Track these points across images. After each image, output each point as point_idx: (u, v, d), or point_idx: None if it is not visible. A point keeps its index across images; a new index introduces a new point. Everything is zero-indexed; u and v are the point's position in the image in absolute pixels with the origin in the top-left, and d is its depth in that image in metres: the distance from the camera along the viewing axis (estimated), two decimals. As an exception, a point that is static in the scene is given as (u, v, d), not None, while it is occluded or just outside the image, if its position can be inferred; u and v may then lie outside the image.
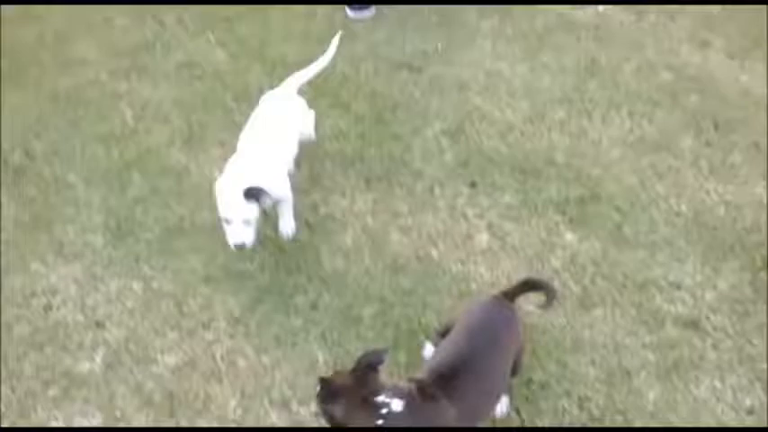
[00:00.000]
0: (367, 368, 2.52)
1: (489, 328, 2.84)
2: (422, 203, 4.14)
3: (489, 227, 4.00)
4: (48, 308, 3.73)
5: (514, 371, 3.02)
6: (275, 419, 3.29)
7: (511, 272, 3.77)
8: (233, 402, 3.36)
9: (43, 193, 4.28)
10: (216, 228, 3.76)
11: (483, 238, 3.95)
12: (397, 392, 2.54)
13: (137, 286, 3.83)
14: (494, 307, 2.93)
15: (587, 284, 3.70)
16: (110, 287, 3.82)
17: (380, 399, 2.49)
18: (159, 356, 3.53)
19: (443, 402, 2.59)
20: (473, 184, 4.22)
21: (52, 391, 3.43)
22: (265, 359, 3.51)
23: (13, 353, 3.56)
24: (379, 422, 2.47)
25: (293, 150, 3.92)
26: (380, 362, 2.54)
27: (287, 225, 3.94)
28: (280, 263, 3.87)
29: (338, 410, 2.50)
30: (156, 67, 5.18)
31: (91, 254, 3.98)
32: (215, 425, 3.28)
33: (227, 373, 3.47)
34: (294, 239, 3.94)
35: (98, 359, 3.53)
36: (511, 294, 2.98)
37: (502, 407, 3.17)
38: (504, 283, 3.52)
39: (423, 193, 4.19)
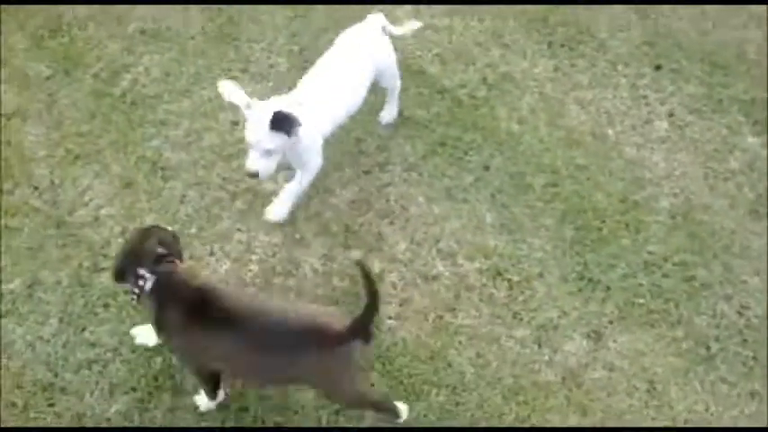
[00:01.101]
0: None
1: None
2: (603, 78, 4.00)
3: (670, 114, 3.87)
4: (234, 123, 3.78)
5: None
6: (441, 269, 3.37)
7: (687, 165, 3.66)
8: (402, 245, 3.44)
9: (231, 8, 4.23)
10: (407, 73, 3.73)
11: (662, 125, 3.83)
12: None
13: (319, 116, 3.83)
14: None
15: (762, 192, 3.59)
16: (293, 113, 3.83)
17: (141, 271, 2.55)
18: (338, 189, 3.58)
19: None
20: (658, 67, 4.04)
21: (238, 203, 3.54)
22: (436, 209, 3.55)
23: (203, 161, 3.67)
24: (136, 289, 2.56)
25: (350, 104, 3.34)
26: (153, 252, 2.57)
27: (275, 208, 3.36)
28: (456, 117, 3.83)
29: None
30: None
31: (275, 76, 3.97)
32: (386, 264, 3.37)
33: (399, 216, 3.52)
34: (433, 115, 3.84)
35: (281, 181, 3.59)
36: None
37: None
38: (678, 175, 3.47)
39: (605, 68, 4.04)
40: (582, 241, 3.43)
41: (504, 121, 3.83)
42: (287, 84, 3.78)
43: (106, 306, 3.19)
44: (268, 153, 3.03)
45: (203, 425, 2.91)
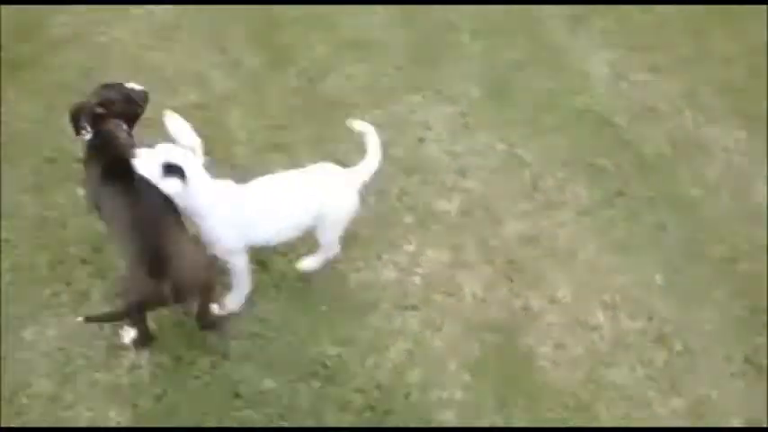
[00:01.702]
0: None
1: None
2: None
3: None
4: (421, 140, 3.87)
5: None
6: (600, 320, 3.31)
7: None
8: (564, 288, 3.40)
9: (433, 32, 4.34)
10: (583, 115, 3.69)
11: None
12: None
13: (500, 147, 3.88)
14: None
15: None
16: (477, 139, 3.90)
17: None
18: (508, 220, 3.59)
19: None
20: None
21: (409, 218, 3.61)
22: (605, 259, 3.49)
23: (385, 170, 3.76)
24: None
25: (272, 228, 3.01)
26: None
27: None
28: (637, 171, 3.77)
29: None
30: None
31: (466, 101, 4.04)
32: (544, 303, 3.34)
33: (566, 259, 3.49)
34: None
35: (455, 203, 3.65)
36: None
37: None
38: None
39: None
40: (753, 324, 3.28)
41: (687, 185, 3.74)
42: (477, 110, 3.85)
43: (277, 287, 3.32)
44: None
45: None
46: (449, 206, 3.63)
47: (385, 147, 3.63)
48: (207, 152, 2.93)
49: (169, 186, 2.75)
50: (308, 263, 3.25)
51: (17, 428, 2.98)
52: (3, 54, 3.97)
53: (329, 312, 3.26)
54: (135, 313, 2.91)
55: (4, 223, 3.41)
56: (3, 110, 3.76)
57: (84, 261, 3.34)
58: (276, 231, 3.03)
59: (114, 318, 3.02)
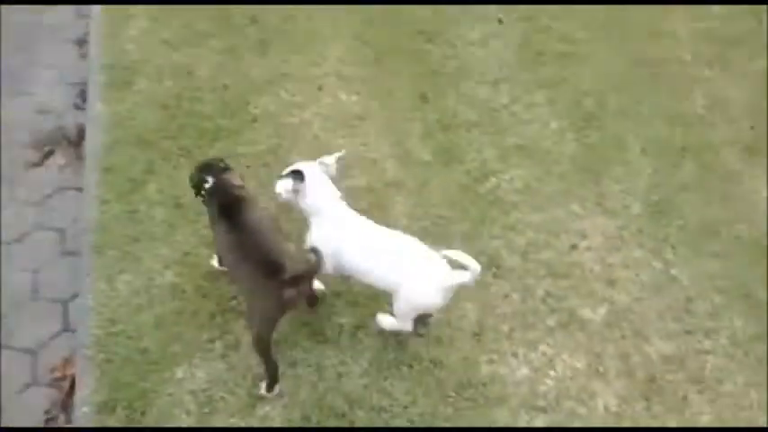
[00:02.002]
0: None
1: None
2: None
3: None
4: (573, 247, 3.90)
5: None
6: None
7: None
8: (707, 416, 3.25)
9: (602, 143, 4.41)
10: (746, 244, 3.58)
11: None
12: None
13: (656, 264, 3.83)
14: None
15: None
16: (632, 254, 3.87)
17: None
18: (655, 339, 3.50)
19: None
20: None
21: (551, 320, 3.62)
22: (753, 395, 3.32)
23: (534, 271, 3.82)
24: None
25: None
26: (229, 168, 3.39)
27: None
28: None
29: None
30: (741, 64, 4.93)
31: (625, 216, 4.04)
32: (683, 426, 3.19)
33: (711, 388, 3.34)
34: None
35: (600, 312, 3.63)
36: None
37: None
38: None
39: None
40: None
41: None
42: (635, 225, 3.84)
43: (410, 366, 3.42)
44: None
45: None
46: (593, 315, 3.61)
47: (538, 248, 3.73)
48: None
49: (283, 185, 3.30)
50: (382, 319, 3.41)
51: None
52: (206, 124, 4.46)
53: (456, 400, 3.29)
54: (269, 329, 3.20)
55: (177, 269, 3.79)
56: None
57: (241, 314, 3.62)
58: (355, 270, 3.32)
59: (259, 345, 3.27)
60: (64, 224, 4.23)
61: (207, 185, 3.38)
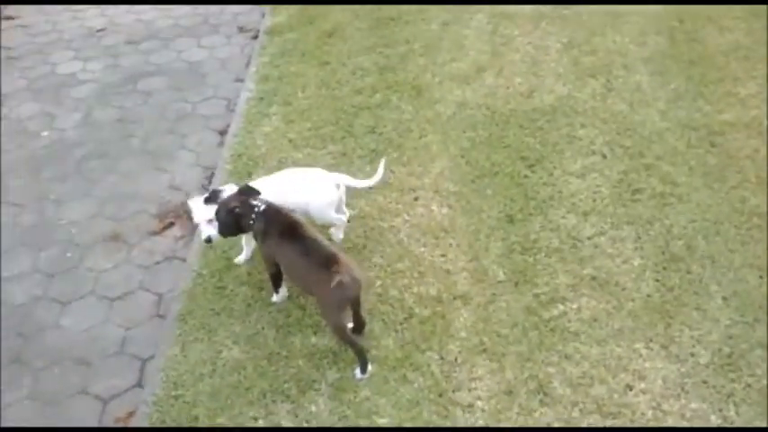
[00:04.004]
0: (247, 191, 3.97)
1: None
2: None
3: None
4: (629, 387, 3.71)
5: None
6: None
7: None
8: None
9: (681, 286, 4.20)
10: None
11: None
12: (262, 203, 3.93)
13: (714, 420, 3.58)
14: None
15: None
16: (690, 405, 3.64)
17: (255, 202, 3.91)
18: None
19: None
20: None
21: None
22: None
23: (583, 405, 3.64)
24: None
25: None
26: (258, 192, 3.96)
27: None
28: None
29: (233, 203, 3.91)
30: None
31: (691, 364, 3.82)
32: None
33: None
34: None
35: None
36: None
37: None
38: None
39: None
40: None
41: None
42: (700, 376, 3.61)
43: None
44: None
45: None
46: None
47: (591, 382, 3.57)
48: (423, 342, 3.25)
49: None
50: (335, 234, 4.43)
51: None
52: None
53: None
54: (340, 314, 3.72)
55: (244, 346, 3.97)
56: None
57: (288, 399, 3.72)
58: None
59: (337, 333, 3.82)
60: (163, 289, 4.56)
61: (258, 209, 3.85)
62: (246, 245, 4.43)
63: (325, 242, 3.77)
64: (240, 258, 4.47)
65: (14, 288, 4.62)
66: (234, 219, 3.88)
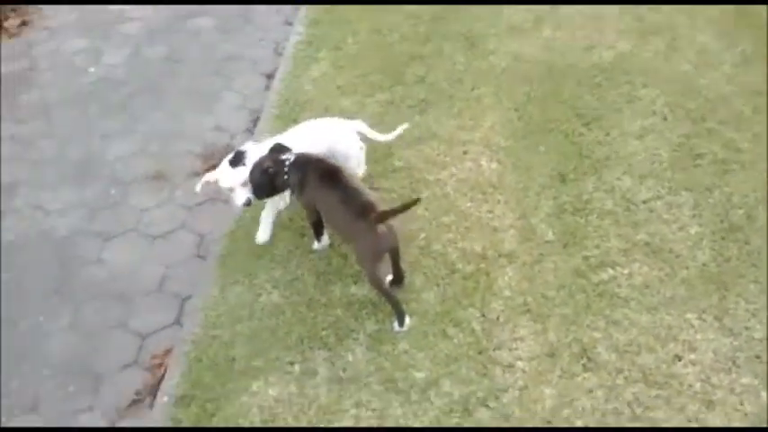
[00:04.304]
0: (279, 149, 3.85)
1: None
2: None
3: None
4: (677, 357, 3.58)
5: None
6: None
7: None
8: None
9: (739, 257, 4.02)
10: None
11: None
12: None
13: (766, 396, 3.37)
14: None
15: None
16: (741, 380, 3.49)
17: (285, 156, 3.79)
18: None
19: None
20: None
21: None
22: None
23: (628, 372, 3.53)
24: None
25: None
26: (289, 149, 3.84)
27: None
28: None
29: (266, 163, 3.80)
30: None
31: (745, 338, 3.67)
32: None
33: None
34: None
35: None
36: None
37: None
38: None
39: None
40: None
41: None
42: (753, 350, 3.45)
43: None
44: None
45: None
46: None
47: (637, 350, 3.46)
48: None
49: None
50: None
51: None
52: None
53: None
54: (376, 265, 3.63)
55: (283, 291, 3.92)
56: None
57: (325, 346, 3.67)
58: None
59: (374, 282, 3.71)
60: (205, 230, 4.52)
61: (288, 161, 3.76)
62: (264, 221, 4.20)
63: (365, 190, 3.64)
64: (260, 239, 4.22)
65: (58, 221, 4.63)
66: (269, 179, 3.77)
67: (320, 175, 3.71)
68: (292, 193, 3.92)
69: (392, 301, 3.67)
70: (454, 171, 4.62)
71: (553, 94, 5.15)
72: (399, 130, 4.25)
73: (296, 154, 3.80)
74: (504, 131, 4.87)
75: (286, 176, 3.77)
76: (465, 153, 4.75)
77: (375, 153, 4.65)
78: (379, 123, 4.87)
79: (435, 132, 4.89)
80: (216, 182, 3.95)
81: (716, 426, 3.28)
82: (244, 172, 3.86)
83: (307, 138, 4.04)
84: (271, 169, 3.76)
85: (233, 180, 3.90)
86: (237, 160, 3.90)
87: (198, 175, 4.83)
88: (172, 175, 4.91)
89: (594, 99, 5.08)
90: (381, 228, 3.49)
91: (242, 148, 4.00)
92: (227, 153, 4.82)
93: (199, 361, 3.68)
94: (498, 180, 4.53)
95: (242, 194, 3.90)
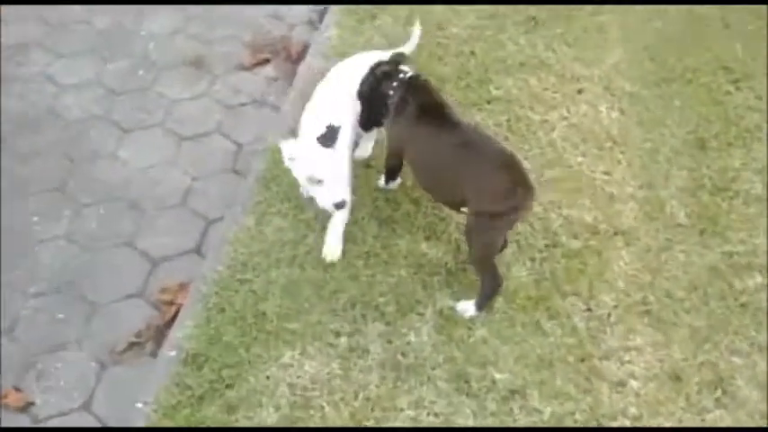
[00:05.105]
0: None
1: None
2: None
3: None
4: None
5: None
6: None
7: None
8: None
9: None
10: None
11: None
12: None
13: None
14: None
15: None
16: None
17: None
18: None
19: None
20: None
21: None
22: None
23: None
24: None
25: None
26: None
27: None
28: None
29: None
30: None
31: None
32: None
33: None
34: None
35: None
36: None
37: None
38: None
39: None
40: None
41: None
42: None
43: None
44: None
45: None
46: None
47: None
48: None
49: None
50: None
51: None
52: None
53: None
54: (498, 238, 2.83)
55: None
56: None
57: (382, 317, 2.86)
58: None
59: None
60: (245, 139, 3.68)
61: (403, 76, 2.88)
62: (333, 231, 3.05)
63: (491, 136, 2.88)
64: (332, 254, 3.05)
65: (70, 99, 3.84)
66: (382, 96, 2.91)
67: (422, 105, 2.83)
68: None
69: (495, 283, 2.83)
70: (565, 113, 3.72)
71: (694, 37, 4.19)
72: (415, 37, 3.40)
73: (414, 72, 2.93)
74: (630, 73, 3.94)
75: (391, 92, 2.90)
76: (580, 92, 3.84)
77: (468, 77, 3.74)
78: (477, 39, 3.95)
79: (544, 60, 3.98)
80: (292, 159, 2.82)
81: None
82: (339, 159, 2.82)
83: (357, 74, 3.03)
84: (386, 71, 2.93)
85: (323, 167, 2.77)
86: (330, 138, 2.78)
87: (244, 68, 3.95)
88: (212, 65, 4.07)
89: (747, 52, 4.10)
90: (520, 189, 2.69)
91: (333, 121, 2.83)
92: (281, 46, 3.98)
93: (221, 311, 2.89)
94: (620, 134, 3.63)
95: (334, 191, 2.79)
